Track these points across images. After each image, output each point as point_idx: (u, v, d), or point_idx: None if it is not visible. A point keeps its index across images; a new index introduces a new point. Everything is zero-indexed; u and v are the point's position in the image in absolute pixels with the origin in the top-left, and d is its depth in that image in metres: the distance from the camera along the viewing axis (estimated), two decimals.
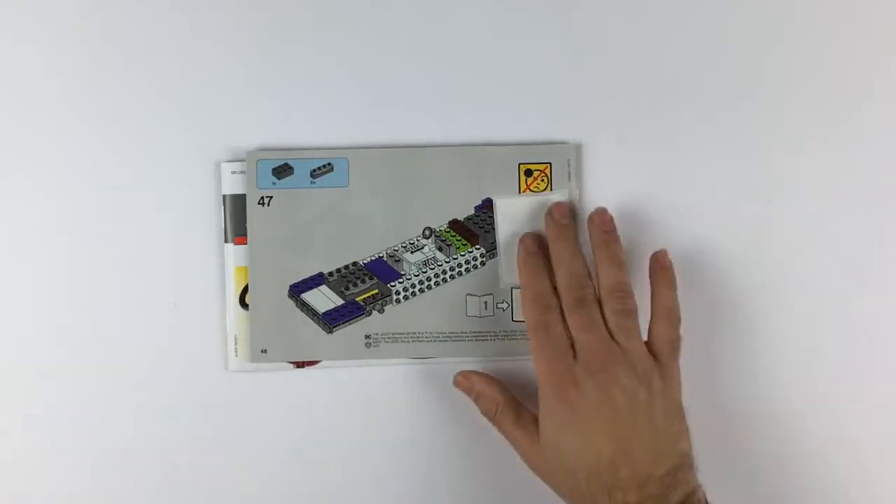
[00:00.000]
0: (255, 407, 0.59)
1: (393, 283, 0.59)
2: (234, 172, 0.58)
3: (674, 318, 0.55)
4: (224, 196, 0.58)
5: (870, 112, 0.60)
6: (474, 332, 0.59)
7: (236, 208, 0.58)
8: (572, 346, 0.53)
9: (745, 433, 0.60)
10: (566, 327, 0.54)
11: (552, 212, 0.57)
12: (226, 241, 0.58)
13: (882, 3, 0.60)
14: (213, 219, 0.59)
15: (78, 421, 0.59)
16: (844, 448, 0.60)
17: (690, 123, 0.60)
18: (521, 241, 0.57)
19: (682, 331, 0.55)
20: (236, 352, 0.58)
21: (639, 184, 0.59)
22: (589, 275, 0.55)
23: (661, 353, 0.54)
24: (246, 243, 0.58)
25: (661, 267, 0.57)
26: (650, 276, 0.57)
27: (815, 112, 0.60)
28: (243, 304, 0.58)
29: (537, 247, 0.57)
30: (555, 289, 0.55)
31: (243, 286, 0.58)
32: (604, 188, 0.59)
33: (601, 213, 0.57)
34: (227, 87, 0.59)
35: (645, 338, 0.55)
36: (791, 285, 0.60)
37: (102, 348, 0.58)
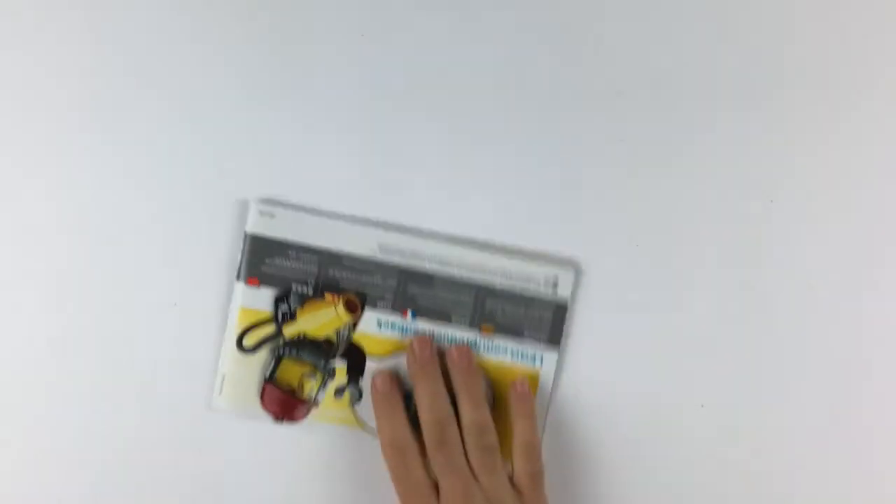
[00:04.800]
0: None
1: None
2: (262, 213, 0.56)
3: (533, 452, 0.56)
4: (246, 234, 0.56)
5: (870, 112, 0.59)
6: None
7: (255, 249, 0.56)
8: (436, 485, 0.53)
9: (745, 431, 0.59)
10: (429, 467, 0.54)
11: (413, 347, 0.56)
12: (238, 278, 0.56)
13: (882, 2, 0.59)
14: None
15: (77, 422, 0.57)
16: (845, 447, 0.59)
17: (690, 123, 0.59)
18: (372, 381, 0.56)
19: (543, 461, 0.55)
20: (221, 390, 0.56)
21: (639, 183, 0.59)
22: (451, 411, 0.54)
23: (523, 487, 0.55)
24: (257, 285, 0.56)
25: (518, 396, 0.57)
26: (511, 405, 0.56)
27: (815, 112, 0.59)
28: (240, 346, 0.56)
29: (389, 385, 0.56)
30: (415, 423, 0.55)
31: (244, 328, 0.56)
32: None
33: (461, 351, 0.56)
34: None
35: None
36: (791, 285, 0.59)
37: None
